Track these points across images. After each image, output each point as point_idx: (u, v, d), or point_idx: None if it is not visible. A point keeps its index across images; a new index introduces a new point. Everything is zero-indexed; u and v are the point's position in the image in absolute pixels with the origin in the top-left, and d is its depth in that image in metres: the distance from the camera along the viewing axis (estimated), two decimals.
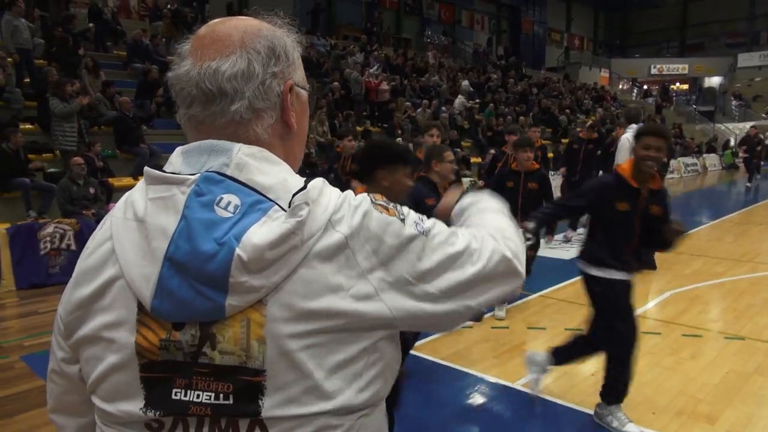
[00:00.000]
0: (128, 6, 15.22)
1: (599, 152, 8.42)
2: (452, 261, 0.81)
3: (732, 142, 22.80)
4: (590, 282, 3.09)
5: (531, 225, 3.14)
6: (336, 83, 13.50)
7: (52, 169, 7.92)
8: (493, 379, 3.75)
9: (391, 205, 0.81)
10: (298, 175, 0.82)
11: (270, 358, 0.72)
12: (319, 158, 10.44)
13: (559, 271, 6.38)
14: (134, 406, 0.75)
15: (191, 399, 0.73)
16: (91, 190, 7.04)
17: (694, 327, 4.71)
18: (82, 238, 6.44)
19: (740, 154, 18.89)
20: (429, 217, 0.86)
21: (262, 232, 0.71)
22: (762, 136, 17.74)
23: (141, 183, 0.79)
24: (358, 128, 12.62)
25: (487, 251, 0.84)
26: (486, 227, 0.93)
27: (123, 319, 0.75)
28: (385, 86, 14.34)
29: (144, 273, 0.73)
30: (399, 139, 12.24)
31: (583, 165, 8.34)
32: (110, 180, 7.93)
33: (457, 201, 1.16)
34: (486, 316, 5.01)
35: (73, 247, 6.51)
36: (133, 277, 0.74)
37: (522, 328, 4.75)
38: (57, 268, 6.42)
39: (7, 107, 8.55)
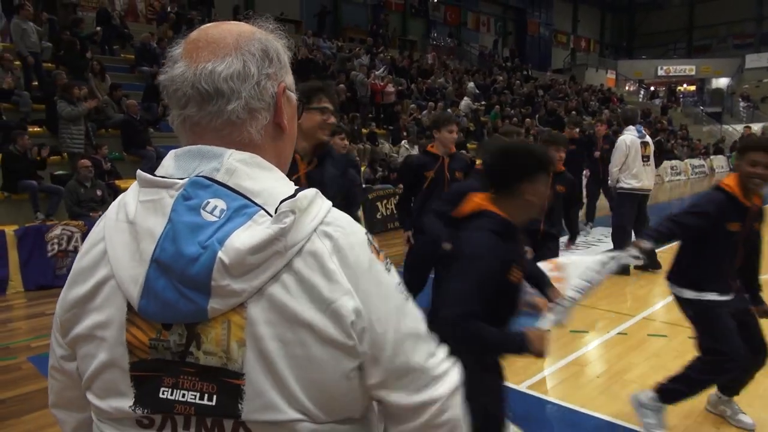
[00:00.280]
0: (135, 9, 15.34)
1: (582, 152, 8.05)
2: (415, 341, 0.82)
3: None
4: (685, 305, 2.95)
5: (647, 245, 2.84)
6: (342, 85, 13.52)
7: (59, 172, 7.98)
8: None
9: (382, 252, 0.84)
10: (289, 182, 0.83)
11: (249, 361, 0.73)
12: None
13: None
14: (124, 403, 0.77)
15: (177, 398, 0.75)
16: (99, 193, 7.09)
17: None
18: None
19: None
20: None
21: (245, 236, 0.72)
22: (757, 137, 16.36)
23: (134, 185, 0.81)
24: (364, 130, 12.63)
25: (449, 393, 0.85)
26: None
27: (114, 319, 0.77)
28: (390, 88, 14.35)
29: (132, 274, 0.75)
30: (404, 142, 12.25)
31: (565, 166, 7.95)
32: (117, 182, 7.97)
33: None
34: None
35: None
36: (122, 278, 0.76)
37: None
38: (64, 269, 6.45)
39: (16, 110, 8.62)
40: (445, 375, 0.84)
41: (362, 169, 10.67)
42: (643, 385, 3.38)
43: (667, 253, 3.86)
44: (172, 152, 0.83)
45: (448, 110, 15.03)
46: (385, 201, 9.49)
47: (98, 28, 11.67)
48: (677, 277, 2.95)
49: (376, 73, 14.68)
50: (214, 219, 0.74)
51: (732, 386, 3.07)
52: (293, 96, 0.90)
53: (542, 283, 2.35)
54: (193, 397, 0.75)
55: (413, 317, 0.83)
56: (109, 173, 8.05)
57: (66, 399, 0.91)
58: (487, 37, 29.35)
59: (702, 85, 34.24)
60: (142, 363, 0.76)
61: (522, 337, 1.86)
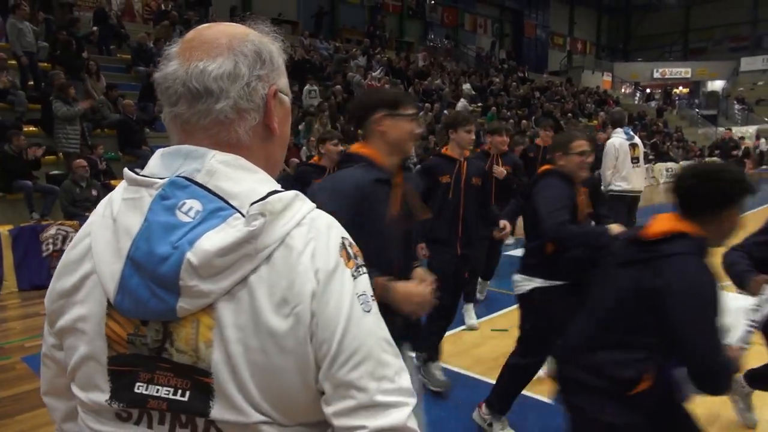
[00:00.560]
0: (132, 9, 15.29)
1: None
2: (362, 358, 0.76)
3: None
4: None
5: None
6: (338, 86, 13.54)
7: (55, 171, 7.96)
8: (491, 381, 3.74)
9: (358, 260, 0.81)
10: (274, 184, 0.82)
11: (215, 362, 0.74)
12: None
13: None
14: (101, 396, 0.79)
15: (151, 393, 0.76)
16: (94, 192, 7.07)
17: None
18: None
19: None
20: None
21: (215, 238, 0.73)
22: (737, 139, 15.30)
23: (123, 183, 0.82)
24: (361, 131, 12.63)
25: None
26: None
27: (94, 313, 0.79)
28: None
29: (111, 270, 0.76)
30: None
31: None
32: (113, 182, 7.95)
33: None
34: (483, 319, 5.02)
35: None
36: (102, 273, 0.77)
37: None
38: None
39: (11, 110, 8.60)
40: (391, 408, 0.76)
41: None
42: None
43: None
44: (158, 151, 0.84)
45: (445, 111, 15.06)
46: None
47: (94, 28, 11.65)
48: None
49: (373, 74, 14.70)
50: (188, 220, 0.75)
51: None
52: (286, 99, 0.90)
53: None
54: (167, 392, 0.76)
55: (370, 332, 0.77)
56: (104, 173, 8.04)
57: (56, 387, 0.92)
58: (484, 38, 29.40)
59: (697, 87, 34.39)
60: (121, 357, 0.77)
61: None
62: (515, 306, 3.20)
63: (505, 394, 3.02)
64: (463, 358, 4.20)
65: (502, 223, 3.68)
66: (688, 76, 34.05)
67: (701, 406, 3.29)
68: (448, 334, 4.73)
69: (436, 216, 3.62)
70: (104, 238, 0.79)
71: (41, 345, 0.92)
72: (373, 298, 0.82)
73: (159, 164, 0.81)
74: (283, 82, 0.89)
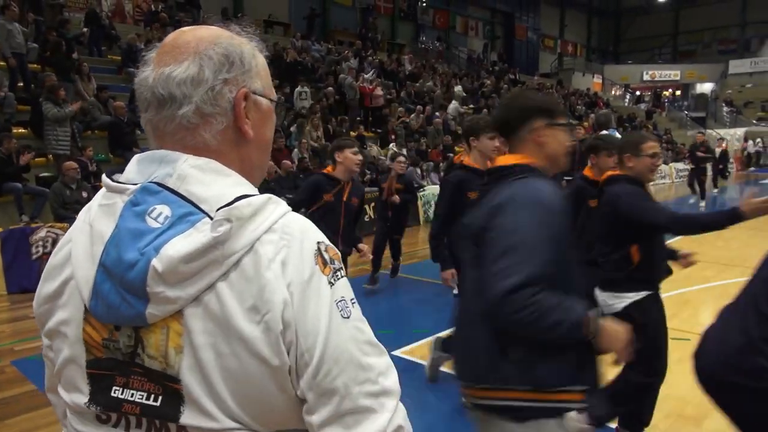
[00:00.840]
0: (123, 10, 15.22)
1: None
2: (346, 363, 0.76)
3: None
4: None
5: None
6: (330, 88, 13.53)
7: (44, 174, 7.91)
8: None
9: (335, 264, 0.80)
10: (248, 188, 0.81)
11: (185, 368, 0.74)
12: (312, 163, 10.44)
13: None
14: (82, 399, 0.80)
15: (126, 397, 0.77)
16: (84, 195, 7.03)
17: (684, 331, 4.74)
18: None
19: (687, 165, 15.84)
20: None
21: (180, 244, 0.72)
22: (706, 141, 13.74)
23: (102, 189, 0.83)
24: (352, 133, 12.65)
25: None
26: None
27: (74, 317, 0.80)
28: (379, 92, 14.38)
29: (86, 275, 0.77)
30: (392, 145, 12.29)
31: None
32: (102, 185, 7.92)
33: None
34: None
35: None
36: (78, 278, 0.78)
37: None
38: None
39: (0, 111, 8.53)
40: (375, 412, 0.76)
41: None
42: None
43: None
44: (135, 157, 0.84)
45: (436, 113, 15.08)
46: (372, 204, 9.50)
47: (85, 29, 11.59)
48: None
49: (365, 76, 14.70)
50: (157, 225, 0.74)
51: None
52: (263, 101, 0.88)
53: None
54: (140, 397, 0.76)
55: (350, 338, 0.77)
56: (95, 175, 7.99)
57: (56, 384, 0.93)
58: (476, 41, 29.50)
59: (686, 89, 34.70)
60: (97, 361, 0.78)
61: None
62: None
63: (638, 414, 2.88)
64: None
65: None
66: (678, 78, 34.35)
67: (691, 403, 3.33)
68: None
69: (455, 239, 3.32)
70: (82, 243, 0.80)
71: (31, 348, 0.93)
72: (353, 301, 0.81)
73: (135, 170, 0.82)
74: (259, 84, 0.87)
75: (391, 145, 12.42)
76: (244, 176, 0.83)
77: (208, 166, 0.80)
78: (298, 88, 12.70)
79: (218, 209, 0.74)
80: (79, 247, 0.80)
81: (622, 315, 2.63)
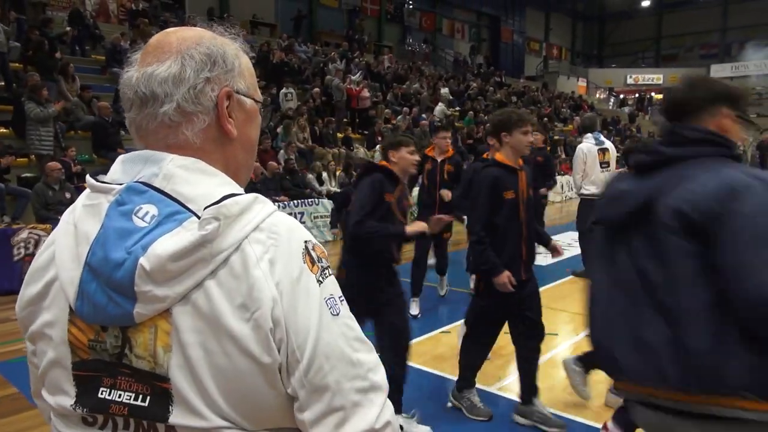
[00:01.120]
0: (107, 10, 15.06)
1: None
2: (337, 360, 0.77)
3: None
4: None
5: None
6: (317, 89, 13.52)
7: (27, 174, 7.80)
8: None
9: (323, 262, 0.81)
10: (234, 187, 0.82)
11: (173, 366, 0.74)
12: (298, 164, 10.42)
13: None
14: (67, 401, 0.79)
15: (113, 398, 0.77)
16: (67, 195, 6.95)
17: None
18: None
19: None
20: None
21: (167, 243, 0.72)
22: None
23: (86, 189, 0.83)
24: (339, 135, 12.64)
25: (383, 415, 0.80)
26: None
27: (59, 318, 0.79)
28: (366, 93, 14.39)
29: (71, 276, 0.77)
30: (378, 146, 12.29)
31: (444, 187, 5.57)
32: (86, 185, 7.82)
33: None
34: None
35: None
36: (63, 279, 0.78)
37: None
38: None
39: None
40: (365, 406, 0.78)
41: (337, 173, 10.69)
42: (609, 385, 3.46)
43: None
44: (120, 157, 0.84)
45: (423, 115, 15.12)
46: None
47: (68, 28, 11.45)
48: None
49: (353, 78, 14.70)
50: (144, 225, 0.75)
51: None
52: (247, 101, 0.88)
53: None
54: (128, 397, 0.76)
55: (340, 335, 0.78)
56: (78, 176, 7.90)
57: (40, 389, 0.92)
58: (462, 43, 29.65)
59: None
60: (83, 363, 0.78)
61: None
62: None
63: None
64: (444, 362, 4.23)
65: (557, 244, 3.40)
66: (660, 82, 34.79)
67: None
68: (425, 337, 4.78)
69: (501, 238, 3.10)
70: (66, 244, 0.79)
71: (12, 351, 0.92)
72: (341, 298, 0.82)
73: (120, 170, 0.82)
74: (243, 84, 0.87)
75: (377, 146, 12.43)
76: (229, 176, 0.84)
77: (195, 166, 0.80)
78: (284, 90, 12.66)
79: (206, 207, 0.74)
80: (63, 248, 0.80)
81: None
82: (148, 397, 0.75)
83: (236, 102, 0.86)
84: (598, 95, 32.65)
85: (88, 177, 0.83)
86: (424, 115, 15.31)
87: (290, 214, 0.81)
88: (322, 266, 0.80)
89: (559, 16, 36.23)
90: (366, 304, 2.87)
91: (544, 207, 7.48)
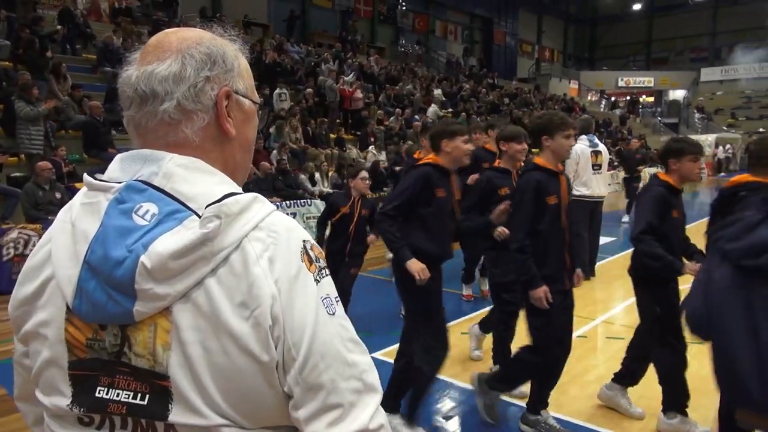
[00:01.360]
0: (98, 9, 14.94)
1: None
2: (332, 359, 0.77)
3: None
4: None
5: None
6: (310, 90, 13.50)
7: (16, 173, 7.73)
8: (461, 384, 3.80)
9: (320, 262, 0.82)
10: (233, 186, 0.82)
11: (173, 365, 0.74)
12: (291, 165, 10.40)
13: None
14: (63, 401, 0.79)
15: (111, 397, 0.76)
16: (57, 195, 6.89)
17: None
18: None
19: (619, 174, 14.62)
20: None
21: (169, 241, 0.73)
22: (646, 150, 12.89)
23: (83, 188, 0.83)
24: (332, 135, 12.63)
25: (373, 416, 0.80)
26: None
27: (55, 317, 0.79)
28: (359, 94, 14.39)
29: (69, 274, 0.77)
30: (371, 147, 12.30)
31: None
32: (77, 185, 7.76)
33: None
34: (456, 321, 5.07)
35: None
36: (60, 278, 0.78)
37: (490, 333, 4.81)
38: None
39: None
40: (358, 406, 0.78)
41: (330, 173, 10.68)
42: (601, 385, 3.49)
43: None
44: (118, 156, 0.85)
45: (416, 116, 15.14)
46: None
47: (59, 27, 11.36)
48: None
49: (346, 79, 14.69)
50: (144, 223, 0.75)
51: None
52: (245, 101, 0.89)
53: None
54: (126, 396, 0.76)
55: (336, 334, 0.79)
56: (69, 175, 7.84)
57: (28, 392, 0.92)
58: (455, 45, 29.74)
59: (660, 96, 35.47)
60: (80, 362, 0.78)
61: None
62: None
63: None
64: None
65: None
66: (651, 85, 35.09)
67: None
68: None
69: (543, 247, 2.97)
70: (63, 242, 0.79)
71: (2, 351, 0.92)
72: (337, 299, 0.82)
73: (118, 169, 0.82)
74: (242, 84, 0.88)
75: (370, 147, 12.44)
76: (227, 175, 0.84)
77: (194, 165, 0.80)
78: (277, 90, 12.64)
79: (207, 206, 0.75)
80: (60, 247, 0.79)
81: None
82: (147, 396, 0.75)
83: (235, 102, 0.87)
84: (589, 97, 32.85)
85: (85, 175, 0.83)
86: (417, 116, 15.33)
87: (282, 213, 0.81)
88: (319, 266, 0.81)
89: (551, 19, 36.43)
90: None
91: None
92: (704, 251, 2.60)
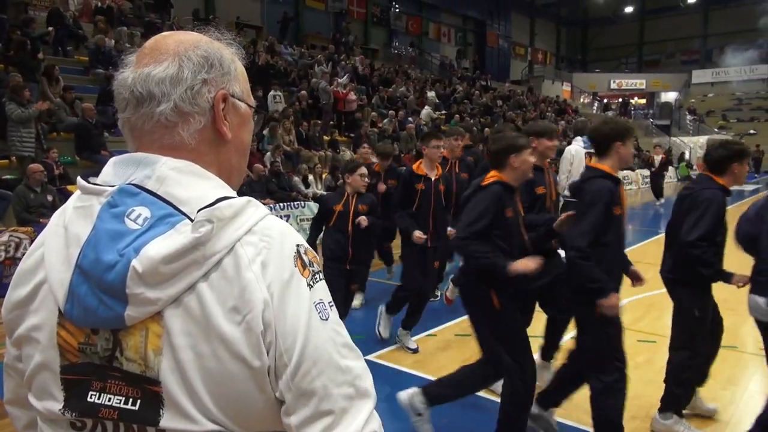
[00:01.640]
0: (91, 10, 14.86)
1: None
2: (325, 365, 0.77)
3: (687, 155, 23.64)
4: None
5: None
6: (303, 92, 13.49)
7: (7, 176, 7.68)
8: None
9: (314, 267, 0.81)
10: (228, 190, 0.82)
11: (164, 369, 0.74)
12: (284, 167, 10.38)
13: None
14: (55, 406, 0.78)
15: (103, 402, 0.76)
16: (49, 198, 6.85)
17: (650, 333, 4.87)
18: None
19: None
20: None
21: (160, 245, 0.72)
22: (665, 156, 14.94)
23: (77, 191, 0.83)
24: (326, 137, 12.62)
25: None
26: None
27: (47, 321, 0.79)
28: (352, 96, 14.40)
29: (61, 278, 0.76)
30: (365, 146, 12.28)
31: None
32: (69, 188, 7.72)
33: None
34: (448, 324, 5.08)
35: None
36: (52, 282, 0.77)
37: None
38: (11, 277, 6.21)
39: None
40: (351, 413, 0.78)
41: (323, 175, 10.67)
42: None
43: None
44: (111, 159, 0.84)
45: (409, 119, 15.15)
46: None
47: (50, 28, 11.29)
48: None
49: (339, 80, 14.70)
50: (136, 227, 0.74)
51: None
52: (241, 105, 0.89)
53: None
54: (118, 401, 0.75)
55: (329, 340, 0.78)
56: (60, 178, 7.79)
57: (19, 396, 0.91)
58: (448, 47, 29.82)
59: (652, 98, 35.72)
60: (73, 366, 0.77)
61: None
62: None
63: None
64: (428, 364, 4.24)
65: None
66: (643, 87, 35.33)
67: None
68: (415, 338, 4.79)
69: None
70: (56, 246, 0.79)
71: None
72: (331, 304, 0.81)
73: (112, 172, 0.82)
74: (238, 88, 0.88)
75: (363, 145, 12.43)
76: (222, 179, 0.84)
77: (188, 169, 0.80)
78: (271, 92, 12.62)
79: (199, 210, 0.74)
80: (52, 250, 0.79)
81: None
82: (139, 401, 0.75)
83: (231, 105, 0.87)
84: (582, 99, 33.03)
85: (79, 179, 0.83)
86: (410, 118, 15.35)
87: (276, 217, 0.81)
88: (313, 270, 0.80)
89: (543, 22, 36.61)
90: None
91: None
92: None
